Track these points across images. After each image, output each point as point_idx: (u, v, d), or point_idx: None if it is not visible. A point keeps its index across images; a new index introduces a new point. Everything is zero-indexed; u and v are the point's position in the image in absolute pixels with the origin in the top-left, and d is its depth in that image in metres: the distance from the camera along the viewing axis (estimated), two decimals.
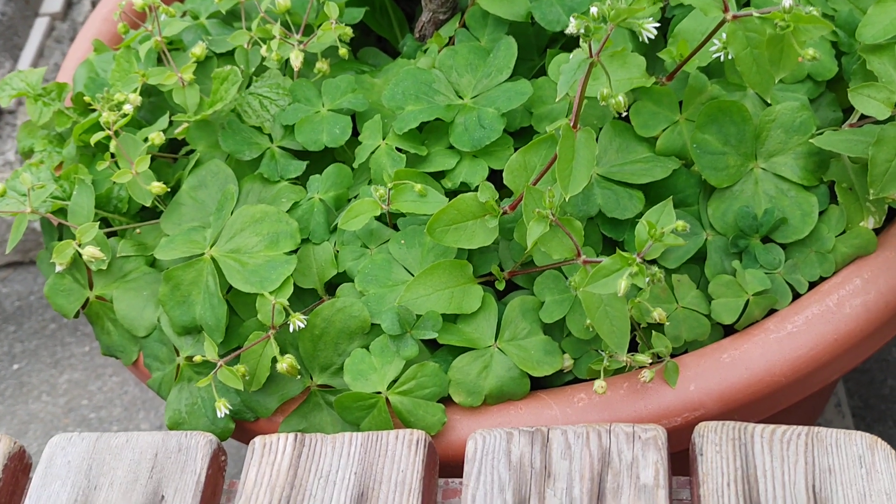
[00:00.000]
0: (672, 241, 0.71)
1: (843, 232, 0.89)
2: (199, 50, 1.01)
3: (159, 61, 1.06)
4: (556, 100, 0.76)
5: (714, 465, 0.70)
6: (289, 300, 0.87)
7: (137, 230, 0.99)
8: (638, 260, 0.72)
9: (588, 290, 0.73)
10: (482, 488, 0.72)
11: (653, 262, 0.85)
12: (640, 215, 0.88)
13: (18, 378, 1.72)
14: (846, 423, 1.40)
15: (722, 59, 0.85)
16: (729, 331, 0.88)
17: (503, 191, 0.90)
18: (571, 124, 0.77)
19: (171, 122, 1.02)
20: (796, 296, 0.88)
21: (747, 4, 0.93)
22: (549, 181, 0.85)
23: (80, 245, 0.92)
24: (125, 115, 0.96)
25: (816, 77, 0.92)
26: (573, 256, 0.81)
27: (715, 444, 0.71)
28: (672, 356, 0.85)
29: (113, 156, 0.97)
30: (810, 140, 0.88)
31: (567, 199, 0.78)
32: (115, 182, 0.98)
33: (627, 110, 0.88)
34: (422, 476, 0.74)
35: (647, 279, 0.72)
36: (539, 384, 0.88)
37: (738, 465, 0.70)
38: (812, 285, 0.88)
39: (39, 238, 1.82)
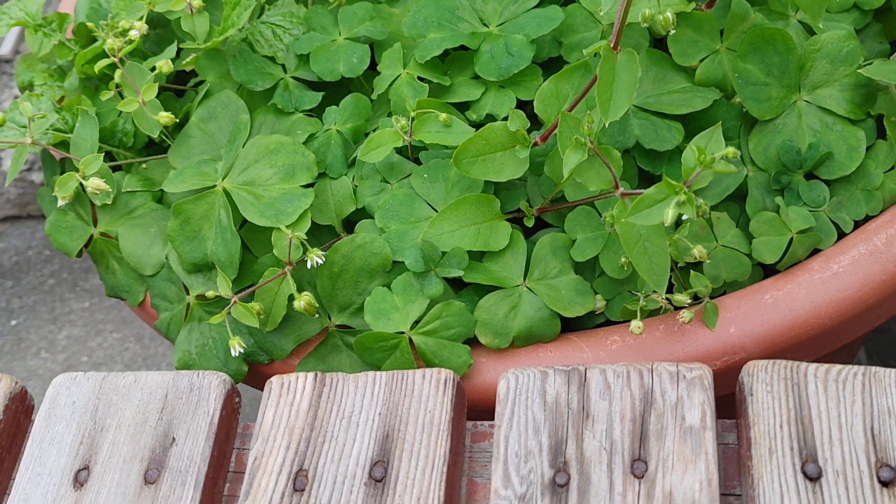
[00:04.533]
0: (723, 167, 0.66)
1: (892, 168, 0.84)
2: None
3: None
4: (601, 12, 0.71)
5: (765, 405, 0.65)
6: (306, 236, 0.82)
7: (143, 165, 0.94)
8: (685, 188, 0.67)
9: (630, 220, 0.68)
10: (515, 429, 0.67)
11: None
12: (678, 148, 0.83)
13: (17, 334, 1.68)
14: None
15: None
16: (769, 272, 0.84)
17: (532, 125, 0.85)
18: (612, 45, 0.72)
19: (179, 53, 0.97)
20: (840, 235, 0.83)
21: None
22: (583, 110, 0.81)
23: (83, 177, 0.87)
24: (131, 42, 0.90)
25: (863, 6, 0.87)
26: (610, 188, 0.76)
27: (766, 383, 0.66)
28: (710, 297, 0.80)
29: (118, 86, 0.92)
30: (858, 69, 0.83)
31: (606, 125, 0.73)
32: (120, 114, 0.94)
33: (667, 35, 0.83)
34: (451, 417, 0.69)
35: (695, 210, 0.67)
36: (569, 326, 0.83)
37: (791, 406, 0.65)
38: (857, 225, 0.84)
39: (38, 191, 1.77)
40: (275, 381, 0.73)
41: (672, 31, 0.73)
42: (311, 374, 0.73)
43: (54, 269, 1.76)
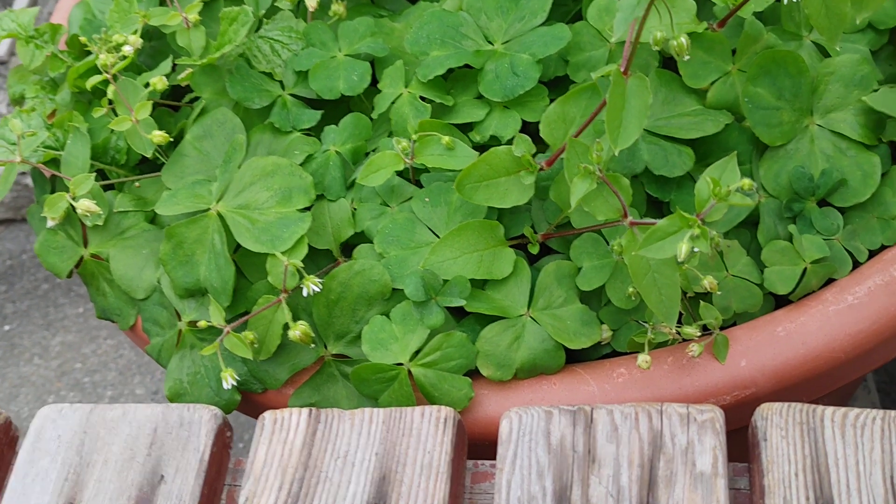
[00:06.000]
0: (738, 200, 0.64)
1: None
2: None
3: (162, 2, 0.98)
4: (614, 38, 0.68)
5: (780, 451, 0.63)
6: (302, 262, 0.79)
7: (136, 183, 0.91)
8: (699, 221, 0.64)
9: (641, 254, 0.65)
10: (518, 473, 0.65)
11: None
12: (689, 174, 0.81)
13: (10, 340, 1.65)
14: (871, 399, 1.34)
15: (785, 1, 0.77)
16: (781, 302, 0.81)
17: (537, 146, 0.82)
18: (622, 69, 0.69)
19: (174, 67, 0.94)
20: (855, 264, 0.81)
21: None
22: (591, 135, 0.78)
23: (73, 198, 0.85)
24: (124, 58, 0.88)
25: (879, 25, 0.85)
26: (618, 217, 0.73)
27: (780, 427, 0.64)
28: (720, 329, 0.77)
29: (111, 102, 0.89)
30: (863, 98, 0.80)
31: (616, 154, 0.70)
32: (112, 131, 0.91)
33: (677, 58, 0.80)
34: (450, 458, 0.66)
35: (709, 243, 0.64)
36: (574, 357, 0.80)
37: (808, 453, 0.62)
38: (872, 253, 0.81)
39: (32, 195, 1.75)
40: (268, 416, 0.70)
41: (687, 58, 0.70)
42: (305, 410, 0.70)
43: (48, 274, 1.73)
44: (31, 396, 1.57)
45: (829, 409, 0.64)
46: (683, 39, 0.69)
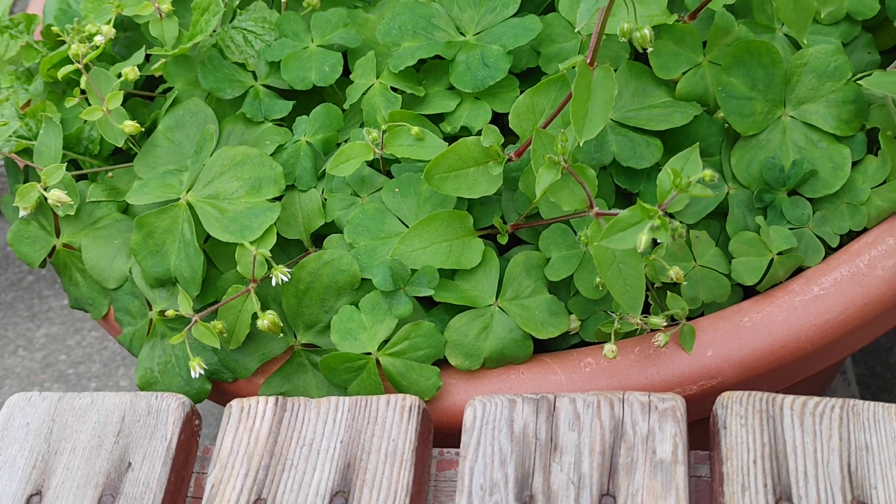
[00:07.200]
0: (699, 191, 0.64)
1: (883, 183, 0.81)
2: None
3: None
4: (577, 29, 0.68)
5: (739, 439, 0.63)
6: (272, 251, 0.79)
7: (109, 174, 0.91)
8: (660, 212, 0.64)
9: (603, 244, 0.65)
10: (481, 461, 0.65)
11: (669, 216, 0.78)
12: (658, 165, 0.81)
13: None
14: (851, 391, 1.35)
15: None
16: (749, 292, 0.81)
17: (508, 137, 0.82)
18: (588, 61, 0.69)
19: (148, 58, 0.94)
20: (828, 250, 0.81)
21: None
22: (560, 126, 0.78)
23: (45, 188, 0.85)
24: (97, 48, 0.88)
25: (856, 16, 0.85)
26: (584, 208, 0.73)
27: (740, 416, 0.64)
28: (688, 319, 0.78)
29: (83, 92, 0.89)
30: (857, 81, 0.80)
31: (581, 145, 0.71)
32: (85, 121, 0.91)
33: (646, 50, 0.81)
34: (415, 446, 0.67)
35: (670, 234, 0.64)
36: (542, 347, 0.81)
37: (766, 441, 0.63)
38: (841, 240, 0.81)
39: None
40: (234, 404, 0.71)
41: (650, 49, 0.70)
42: (271, 399, 0.70)
43: None
44: (16, 388, 1.57)
45: (789, 398, 0.65)
46: (647, 31, 0.69)
